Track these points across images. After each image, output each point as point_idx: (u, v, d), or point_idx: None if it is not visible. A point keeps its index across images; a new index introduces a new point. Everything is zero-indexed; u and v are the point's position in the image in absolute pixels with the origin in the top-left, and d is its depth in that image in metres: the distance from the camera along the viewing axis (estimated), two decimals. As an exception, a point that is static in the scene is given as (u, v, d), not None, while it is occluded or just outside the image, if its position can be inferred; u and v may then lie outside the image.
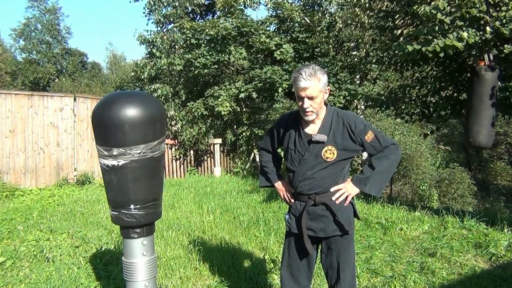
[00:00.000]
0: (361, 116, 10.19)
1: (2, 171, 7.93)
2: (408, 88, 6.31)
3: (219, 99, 9.54)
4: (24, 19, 27.68)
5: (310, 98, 2.05)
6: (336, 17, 9.77)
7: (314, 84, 2.03)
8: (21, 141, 8.22)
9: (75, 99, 8.96)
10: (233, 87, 9.86)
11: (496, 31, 4.22)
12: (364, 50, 9.15)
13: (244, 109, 10.99)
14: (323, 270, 2.28)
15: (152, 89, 10.23)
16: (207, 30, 9.63)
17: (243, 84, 9.81)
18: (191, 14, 12.98)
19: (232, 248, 3.96)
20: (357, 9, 7.45)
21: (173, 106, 10.33)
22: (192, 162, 10.76)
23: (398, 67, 6.16)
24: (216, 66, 10.09)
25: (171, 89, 10.47)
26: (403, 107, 6.25)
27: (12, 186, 7.81)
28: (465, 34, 4.14)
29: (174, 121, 10.28)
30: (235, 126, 11.07)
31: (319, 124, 2.15)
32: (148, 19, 12.45)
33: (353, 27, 9.39)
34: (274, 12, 11.02)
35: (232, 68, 10.88)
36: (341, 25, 9.67)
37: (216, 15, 12.34)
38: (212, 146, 10.52)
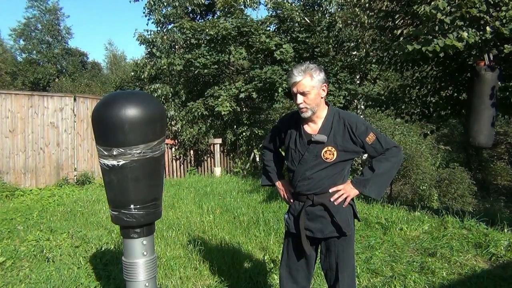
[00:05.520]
0: (361, 116, 10.20)
1: (2, 171, 7.93)
2: (408, 88, 6.30)
3: (219, 99, 9.54)
4: (24, 19, 27.71)
5: (302, 94, 2.05)
6: (336, 17, 9.77)
7: (305, 80, 2.04)
8: (21, 141, 8.22)
9: (75, 99, 8.97)
10: (233, 87, 9.86)
11: (496, 31, 4.22)
12: (364, 50, 9.14)
13: (244, 109, 10.99)
14: (323, 271, 2.28)
15: (152, 89, 10.23)
16: (207, 30, 9.63)
17: (243, 84, 9.81)
18: (191, 14, 12.99)
19: (232, 248, 3.96)
20: (357, 9, 7.43)
21: (173, 106, 10.33)
22: (192, 162, 10.76)
23: (398, 67, 6.15)
24: (216, 66, 10.08)
25: (171, 89, 10.47)
26: (403, 107, 6.25)
27: (12, 186, 7.81)
28: (465, 34, 4.14)
29: (174, 121, 10.28)
30: (235, 126, 11.07)
31: (320, 124, 2.14)
32: (148, 19, 12.48)
33: (353, 27, 9.39)
34: (274, 12, 11.02)
35: (232, 68, 10.88)
36: (341, 25, 9.66)
37: (216, 15, 12.34)
38: (212, 146, 10.52)
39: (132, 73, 12.61)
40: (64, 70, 27.30)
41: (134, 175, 1.91)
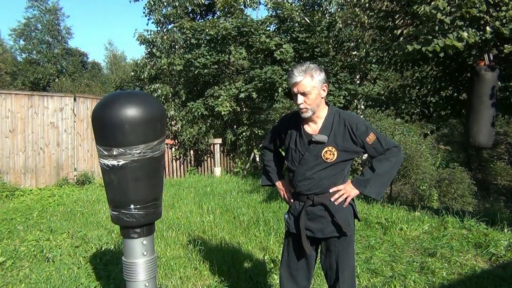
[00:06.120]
0: (361, 116, 10.20)
1: (2, 171, 7.93)
2: (408, 88, 6.30)
3: (219, 99, 9.54)
4: (24, 19, 27.71)
5: (303, 94, 2.05)
6: (336, 17, 9.77)
7: (306, 80, 2.03)
8: (21, 141, 8.22)
9: (75, 99, 8.97)
10: (233, 87, 9.86)
11: (496, 31, 4.21)
12: (364, 50, 9.15)
13: (244, 109, 10.99)
14: (323, 271, 2.28)
15: (152, 89, 10.23)
16: (207, 30, 9.63)
17: (243, 84, 9.81)
18: (191, 14, 12.99)
19: (232, 248, 3.96)
20: (357, 9, 7.44)
21: (173, 106, 10.33)
22: (192, 162, 10.76)
23: (398, 67, 6.15)
24: (216, 66, 10.08)
25: (171, 89, 10.47)
26: (403, 107, 6.24)
27: (12, 186, 7.81)
28: (465, 34, 4.13)
29: (174, 121, 10.28)
30: (235, 126, 11.07)
31: (320, 124, 2.14)
32: (148, 19, 12.48)
33: (353, 27, 9.39)
34: (274, 12, 11.02)
35: (232, 68, 10.87)
36: (341, 25, 9.66)
37: (216, 15, 12.35)
38: (212, 146, 10.52)
39: (132, 73, 12.62)
40: (64, 70, 27.30)
41: (134, 175, 1.91)
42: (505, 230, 4.17)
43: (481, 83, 4.31)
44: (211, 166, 10.75)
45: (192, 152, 10.72)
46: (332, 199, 2.13)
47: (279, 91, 9.25)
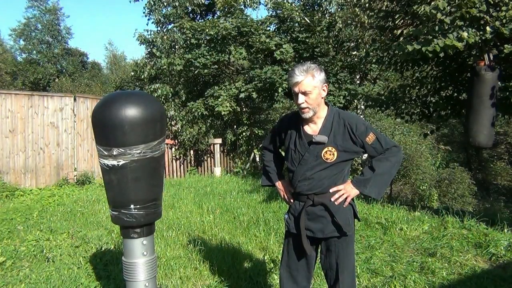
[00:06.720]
0: (361, 116, 10.20)
1: (2, 171, 7.93)
2: (408, 88, 6.30)
3: (219, 99, 9.54)
4: (24, 19, 27.72)
5: (304, 94, 2.05)
6: (336, 17, 9.77)
7: (307, 80, 2.03)
8: (21, 141, 8.22)
9: (75, 99, 8.97)
10: (233, 87, 9.86)
11: (496, 31, 4.22)
12: (364, 50, 9.14)
13: (244, 109, 10.99)
14: (323, 271, 2.28)
15: (152, 89, 10.23)
16: (207, 30, 9.63)
17: (243, 84, 9.81)
18: (191, 14, 12.98)
19: (232, 248, 3.96)
20: (357, 9, 7.43)
21: (173, 106, 10.33)
22: (192, 162, 10.76)
23: (398, 67, 6.15)
24: (216, 66, 10.08)
25: (171, 89, 10.47)
26: (403, 107, 6.25)
27: (12, 186, 7.81)
28: (465, 34, 4.13)
29: (174, 121, 10.28)
30: (235, 126, 11.07)
31: (320, 125, 2.14)
32: (148, 19, 12.48)
33: (353, 27, 9.39)
34: (274, 12, 11.03)
35: (232, 68, 10.88)
36: (341, 25, 9.66)
37: (216, 15, 12.35)
38: (212, 146, 10.52)
39: (132, 73, 12.62)
40: (64, 70, 27.31)
41: (134, 175, 1.91)
42: (505, 230, 4.16)
43: (481, 83, 4.31)
44: (211, 166, 10.75)
45: (192, 152, 10.72)
46: (332, 199, 2.13)
47: (279, 91, 9.25)
